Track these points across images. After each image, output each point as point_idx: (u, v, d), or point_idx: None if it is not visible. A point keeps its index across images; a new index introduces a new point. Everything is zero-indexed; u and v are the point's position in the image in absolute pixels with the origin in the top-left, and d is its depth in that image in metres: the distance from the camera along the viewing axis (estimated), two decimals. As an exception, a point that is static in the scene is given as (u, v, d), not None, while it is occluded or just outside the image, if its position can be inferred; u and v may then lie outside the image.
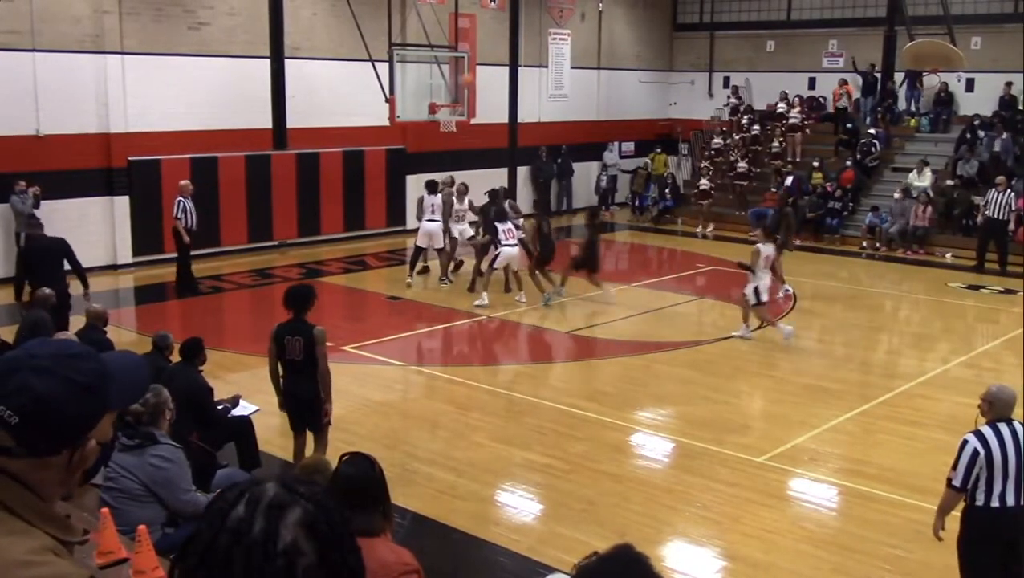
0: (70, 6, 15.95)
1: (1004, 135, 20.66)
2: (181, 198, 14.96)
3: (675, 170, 25.52)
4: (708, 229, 22.19)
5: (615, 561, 2.10)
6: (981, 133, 21.20)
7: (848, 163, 21.81)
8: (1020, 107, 21.75)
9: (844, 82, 23.78)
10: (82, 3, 16.07)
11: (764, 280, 12.75)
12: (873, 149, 22.00)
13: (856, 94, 23.82)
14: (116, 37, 16.43)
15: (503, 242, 14.52)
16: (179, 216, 14.89)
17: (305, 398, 7.63)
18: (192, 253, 15.00)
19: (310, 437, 7.85)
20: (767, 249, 12.91)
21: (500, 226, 14.67)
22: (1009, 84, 21.63)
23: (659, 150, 25.77)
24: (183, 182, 15.23)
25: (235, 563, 1.26)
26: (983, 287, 16.79)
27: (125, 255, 16.93)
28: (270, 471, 7.57)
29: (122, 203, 16.85)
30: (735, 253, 19.41)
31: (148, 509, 5.46)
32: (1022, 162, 20.38)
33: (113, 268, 16.75)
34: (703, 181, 22.73)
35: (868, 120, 23.05)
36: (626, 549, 2.16)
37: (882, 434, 9.54)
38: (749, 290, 12.75)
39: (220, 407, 7.85)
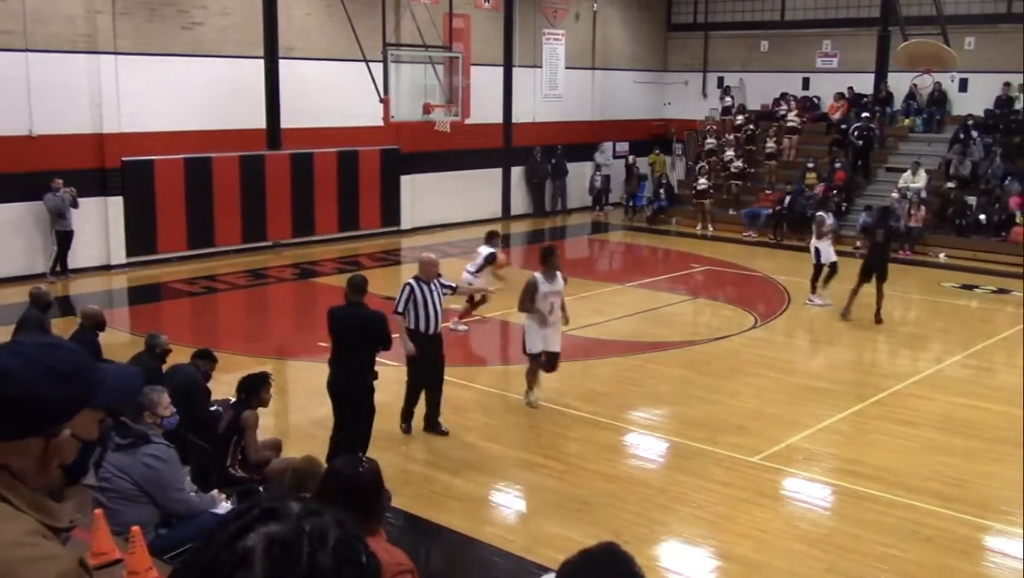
0: (63, 6, 15.89)
1: (1009, 179, 20.50)
2: None
3: (669, 170, 25.52)
4: (709, 228, 22.21)
5: (598, 557, 2.10)
6: (974, 133, 21.24)
7: (838, 164, 21.81)
8: (1017, 107, 21.80)
9: (841, 96, 23.85)
10: (75, 3, 16.02)
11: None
12: (871, 133, 21.96)
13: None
14: (109, 37, 16.39)
15: None
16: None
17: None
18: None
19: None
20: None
21: None
22: (1007, 84, 21.71)
23: (657, 152, 25.73)
24: None
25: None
26: (976, 287, 16.83)
27: (119, 256, 16.88)
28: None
29: (116, 203, 16.81)
30: (729, 253, 19.48)
31: (142, 510, 5.44)
32: (1018, 162, 20.43)
33: (107, 269, 16.73)
34: (701, 180, 22.74)
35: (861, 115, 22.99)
36: (610, 546, 2.16)
37: (876, 434, 9.56)
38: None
39: (213, 409, 7.83)
